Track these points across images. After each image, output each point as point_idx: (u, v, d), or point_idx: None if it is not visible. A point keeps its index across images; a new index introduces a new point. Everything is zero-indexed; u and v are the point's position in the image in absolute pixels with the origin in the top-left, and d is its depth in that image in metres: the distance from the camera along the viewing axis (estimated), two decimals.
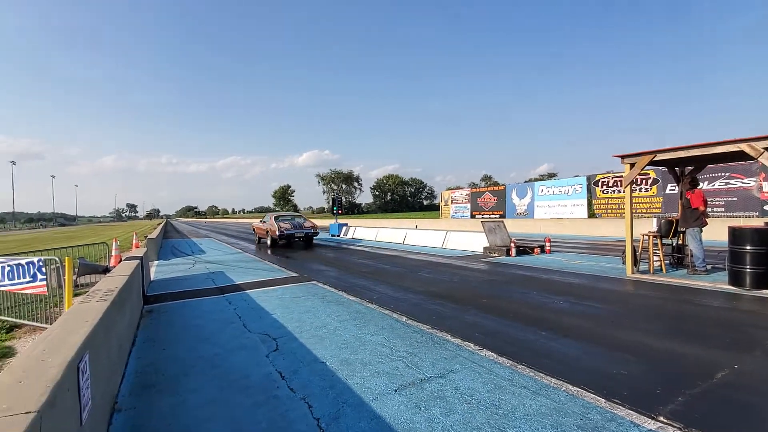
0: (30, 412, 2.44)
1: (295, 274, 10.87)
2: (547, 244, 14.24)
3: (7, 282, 6.85)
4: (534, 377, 4.81)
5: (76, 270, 8.95)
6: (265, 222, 20.25)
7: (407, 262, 12.77)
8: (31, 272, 6.65)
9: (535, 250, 13.98)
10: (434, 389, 4.59)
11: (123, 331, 5.18)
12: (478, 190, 36.58)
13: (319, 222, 57.72)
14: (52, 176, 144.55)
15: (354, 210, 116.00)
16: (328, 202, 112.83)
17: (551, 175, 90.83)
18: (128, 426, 4.16)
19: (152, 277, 11.24)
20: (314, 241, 22.47)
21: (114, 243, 14.85)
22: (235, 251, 17.98)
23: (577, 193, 27.03)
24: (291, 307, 7.58)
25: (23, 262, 6.85)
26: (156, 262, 14.42)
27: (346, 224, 27.36)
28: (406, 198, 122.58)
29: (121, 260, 11.30)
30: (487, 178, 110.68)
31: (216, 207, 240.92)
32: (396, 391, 4.57)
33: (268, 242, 18.98)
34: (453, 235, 17.00)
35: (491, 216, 32.84)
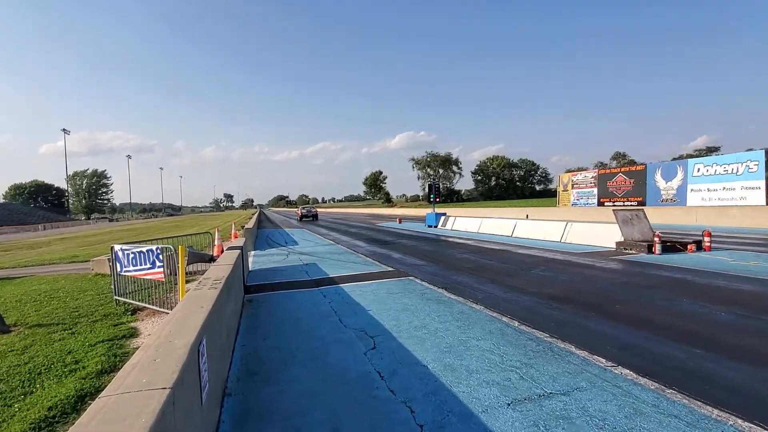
0: (165, 388, 2.86)
1: (390, 269, 10.77)
2: (706, 239, 12.40)
3: (132, 268, 7.62)
4: (689, 405, 4.22)
5: (187, 258, 9.66)
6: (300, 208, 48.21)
7: (517, 258, 12.17)
8: (151, 259, 7.29)
9: (689, 247, 12.30)
10: (556, 408, 4.23)
11: (230, 318, 5.47)
12: (608, 171, 32.78)
13: (413, 212, 57.49)
14: (161, 168, 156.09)
15: (452, 197, 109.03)
16: (424, 189, 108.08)
17: (712, 150, 74.96)
18: (238, 410, 4.43)
19: (250, 266, 11.68)
20: (408, 233, 22.65)
21: (216, 233, 15.79)
22: (327, 242, 18.45)
23: (751, 173, 22.86)
24: (387, 304, 7.54)
25: (144, 249, 7.50)
26: (253, 253, 15.23)
27: (444, 213, 26.45)
28: (513, 183, 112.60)
29: (222, 250, 12.10)
30: (619, 157, 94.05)
31: (306, 196, 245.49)
32: (509, 405, 4.32)
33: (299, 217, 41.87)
34: (575, 227, 15.61)
35: (625, 203, 30.20)
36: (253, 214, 69.44)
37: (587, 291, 8.03)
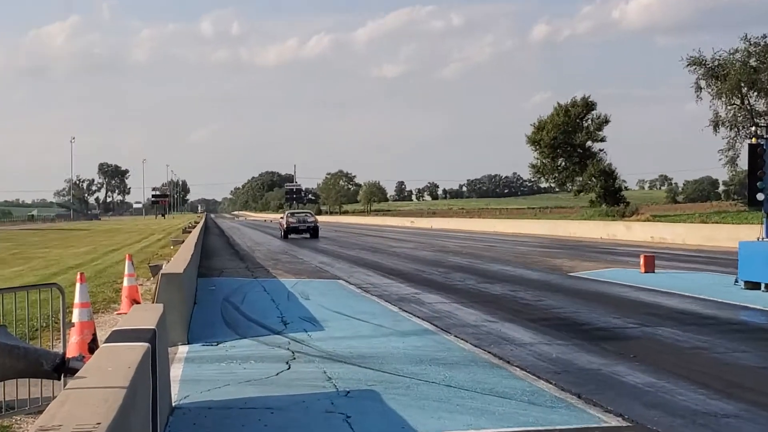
0: None
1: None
2: None
3: None
4: None
5: None
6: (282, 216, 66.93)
7: None
8: None
9: None
10: None
11: None
12: None
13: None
14: None
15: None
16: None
17: None
18: None
19: (174, 396, 10.60)
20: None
21: (78, 284, 13.98)
22: (403, 316, 18.11)
23: None
24: None
25: None
26: (184, 350, 14.37)
27: None
28: None
29: (94, 340, 12.36)
30: None
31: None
32: None
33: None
34: None
35: None
36: (189, 226, 72.32)
37: None
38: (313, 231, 57.95)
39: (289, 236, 57.08)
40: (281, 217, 68.81)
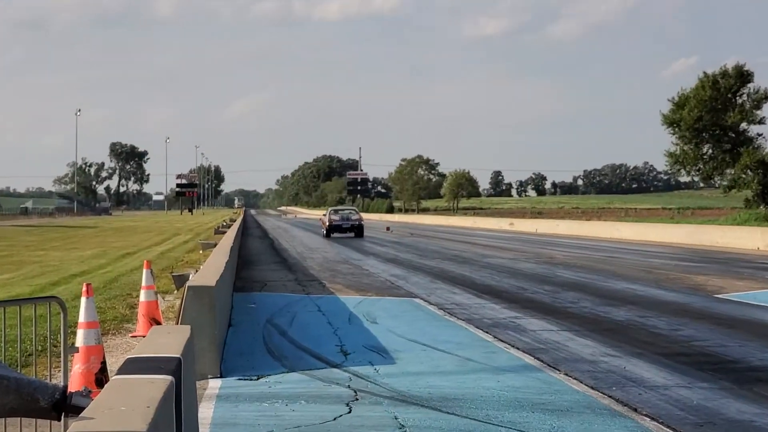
0: None
1: None
2: None
3: None
4: None
5: None
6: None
7: None
8: None
9: None
10: None
11: None
12: None
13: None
14: None
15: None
16: None
17: None
18: None
19: None
20: None
21: (85, 297, 13.91)
22: (499, 347, 18.04)
23: None
24: None
25: None
26: (216, 385, 14.34)
27: None
28: None
29: (101, 376, 12.56)
30: None
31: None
32: None
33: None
34: None
35: None
36: (222, 225, 78.78)
37: None
38: (358, 230, 69.29)
39: (331, 235, 69.16)
40: (323, 215, 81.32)
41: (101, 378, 12.17)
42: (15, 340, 13.01)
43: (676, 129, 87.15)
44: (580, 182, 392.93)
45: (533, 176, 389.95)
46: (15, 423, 9.67)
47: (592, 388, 14.06)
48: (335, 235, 69.15)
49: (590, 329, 20.64)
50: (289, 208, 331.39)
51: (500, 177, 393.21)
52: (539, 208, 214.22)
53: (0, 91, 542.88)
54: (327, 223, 69.43)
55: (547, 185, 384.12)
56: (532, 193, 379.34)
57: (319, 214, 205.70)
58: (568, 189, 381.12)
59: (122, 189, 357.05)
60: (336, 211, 75.59)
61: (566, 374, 15.31)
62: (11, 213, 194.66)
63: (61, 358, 11.25)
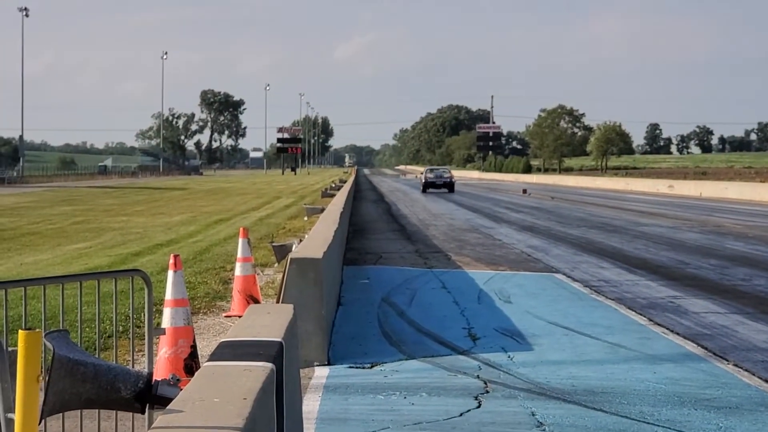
0: None
1: None
2: None
3: None
4: None
5: (48, 374, 7.39)
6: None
7: None
8: None
9: None
10: None
11: None
12: None
13: None
14: None
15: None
16: None
17: None
18: None
19: None
20: None
21: (172, 266, 14.08)
22: (655, 332, 18.15)
23: None
24: None
25: None
26: (323, 374, 14.70)
27: None
28: None
29: (191, 362, 13.05)
30: None
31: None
32: None
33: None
34: None
35: None
36: (331, 187, 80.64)
37: None
38: (449, 186, 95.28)
39: (427, 190, 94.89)
40: (421, 173, 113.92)
41: (191, 364, 12.43)
42: (92, 319, 12.99)
43: None
44: (753, 137, 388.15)
45: (697, 130, 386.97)
46: (92, 415, 9.87)
47: (767, 381, 13.88)
48: (431, 191, 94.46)
49: (765, 312, 20.36)
50: (408, 167, 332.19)
51: (657, 131, 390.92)
52: (704, 168, 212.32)
53: (75, 32, 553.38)
54: (423, 180, 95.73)
55: (714, 140, 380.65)
56: (695, 149, 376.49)
57: None
58: (738, 145, 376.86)
59: (215, 144, 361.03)
60: (431, 170, 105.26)
61: (735, 365, 15.27)
62: (89, 172, 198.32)
63: (146, 341, 11.28)
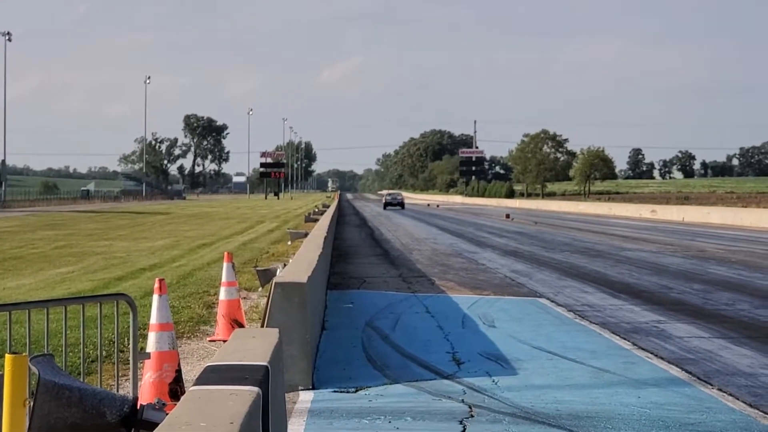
0: None
1: None
2: None
3: None
4: None
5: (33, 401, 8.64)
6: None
7: None
8: None
9: None
10: None
11: None
12: None
13: None
14: None
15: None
16: None
17: None
18: None
19: None
20: None
21: (156, 290, 13.77)
22: (639, 357, 18.22)
23: None
24: None
25: None
26: (308, 398, 14.63)
27: None
28: None
29: (176, 387, 12.96)
30: None
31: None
32: None
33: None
34: None
35: None
36: (314, 211, 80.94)
37: None
38: (401, 204, 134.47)
39: (386, 207, 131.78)
40: (383, 196, 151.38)
41: (176, 389, 12.35)
42: (77, 344, 13.50)
43: None
44: (735, 162, 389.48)
45: (679, 155, 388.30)
46: None
47: (751, 405, 13.97)
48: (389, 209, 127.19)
49: (749, 336, 20.45)
50: (392, 191, 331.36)
51: (640, 156, 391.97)
52: (686, 193, 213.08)
53: (60, 55, 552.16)
54: (384, 200, 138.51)
55: (696, 165, 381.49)
56: (677, 174, 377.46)
57: (428, 199, 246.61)
58: (720, 170, 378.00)
59: (198, 169, 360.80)
60: (390, 194, 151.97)
61: (720, 389, 15.21)
62: (71, 197, 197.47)
63: (130, 366, 11.68)
